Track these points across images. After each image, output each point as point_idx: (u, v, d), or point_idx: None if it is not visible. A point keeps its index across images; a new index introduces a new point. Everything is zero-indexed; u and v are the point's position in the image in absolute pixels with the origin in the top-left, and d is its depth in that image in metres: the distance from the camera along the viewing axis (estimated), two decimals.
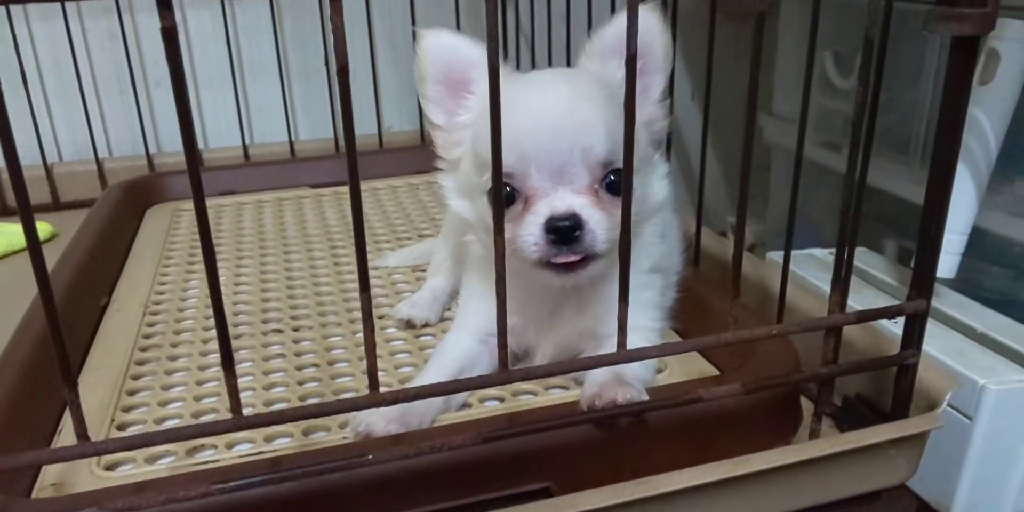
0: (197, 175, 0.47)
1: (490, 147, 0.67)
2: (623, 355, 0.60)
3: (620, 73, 0.72)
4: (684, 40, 1.51)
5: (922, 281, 0.66)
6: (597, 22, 1.35)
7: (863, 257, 1.24)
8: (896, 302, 1.04)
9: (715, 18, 0.97)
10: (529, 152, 0.67)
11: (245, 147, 1.63)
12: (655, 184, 0.77)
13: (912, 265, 0.68)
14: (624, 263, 0.56)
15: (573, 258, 0.68)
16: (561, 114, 0.67)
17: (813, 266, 1.20)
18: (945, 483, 0.91)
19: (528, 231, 0.68)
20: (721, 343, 0.62)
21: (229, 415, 0.74)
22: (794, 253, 0.95)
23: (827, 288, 1.07)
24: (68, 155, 1.63)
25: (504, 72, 0.76)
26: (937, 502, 0.91)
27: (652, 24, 0.73)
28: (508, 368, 0.58)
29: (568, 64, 1.41)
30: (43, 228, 1.40)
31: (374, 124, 1.70)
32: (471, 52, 0.75)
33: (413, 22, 1.65)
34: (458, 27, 1.68)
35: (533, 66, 1.72)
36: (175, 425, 0.76)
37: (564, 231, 0.66)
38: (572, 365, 0.60)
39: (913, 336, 0.67)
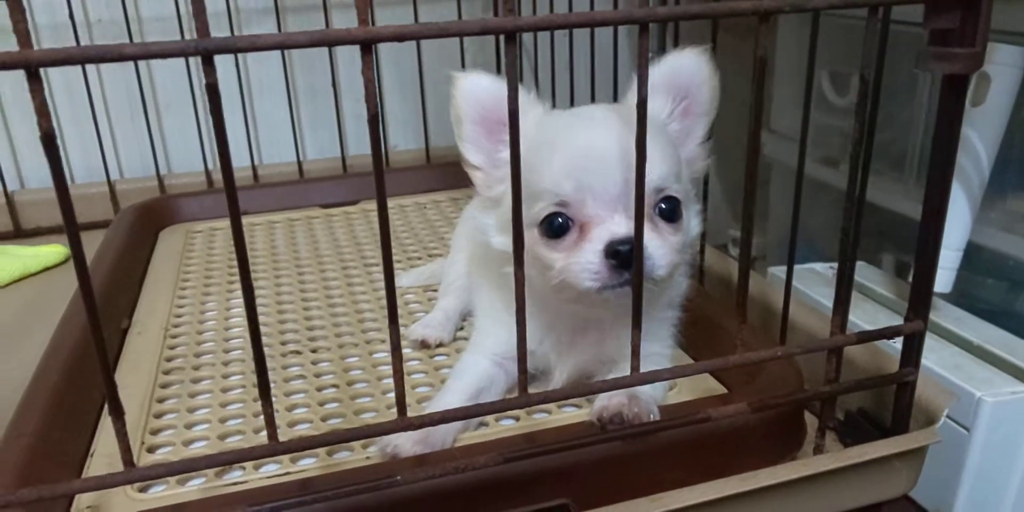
0: (240, 233, 0.50)
1: (544, 176, 0.70)
2: (636, 378, 0.63)
3: (667, 109, 0.75)
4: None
5: (919, 303, 0.69)
6: (599, 44, 1.39)
7: (862, 271, 1.27)
8: (895, 315, 1.08)
9: (717, 33, 1.00)
10: (585, 181, 0.68)
11: (254, 167, 1.67)
12: (691, 220, 0.78)
13: (910, 286, 0.71)
14: (637, 293, 0.59)
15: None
16: (615, 143, 0.68)
17: (814, 281, 1.24)
18: (945, 492, 0.94)
19: (587, 259, 0.68)
20: (729, 365, 0.65)
21: (255, 436, 0.78)
22: (795, 268, 0.98)
23: (828, 303, 1.11)
24: (80, 178, 1.66)
25: (544, 109, 0.79)
26: (937, 510, 0.94)
27: (701, 66, 0.75)
28: (527, 392, 0.61)
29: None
30: (59, 251, 1.43)
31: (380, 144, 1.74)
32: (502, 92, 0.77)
33: (418, 42, 1.68)
34: (461, 44, 1.72)
35: (537, 83, 1.76)
36: (202, 447, 0.79)
37: (625, 255, 0.66)
38: (589, 388, 0.63)
39: (911, 355, 0.70)
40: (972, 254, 1.08)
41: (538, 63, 1.71)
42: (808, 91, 0.84)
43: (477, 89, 0.75)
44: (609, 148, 0.69)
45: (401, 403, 0.59)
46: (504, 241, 0.79)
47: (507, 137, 0.76)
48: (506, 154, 0.77)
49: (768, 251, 1.77)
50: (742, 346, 0.65)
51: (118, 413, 0.53)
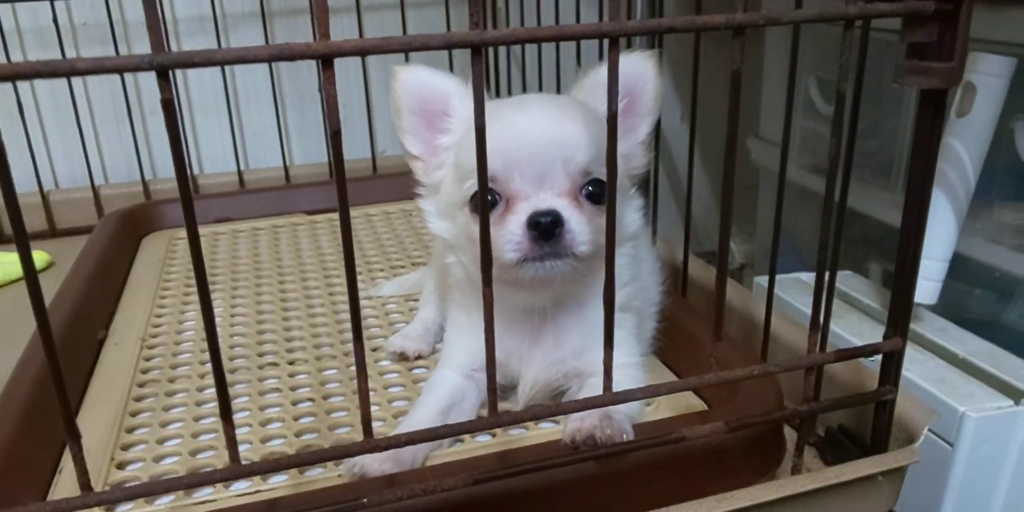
0: (197, 244, 0.49)
1: (473, 157, 0.70)
2: (609, 397, 0.61)
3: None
4: (671, 63, 1.54)
5: (898, 320, 0.68)
6: (585, 50, 1.38)
7: (847, 280, 1.26)
8: (880, 326, 1.06)
9: (699, 42, 0.99)
10: (513, 159, 0.70)
11: (240, 173, 1.65)
12: (629, 215, 0.81)
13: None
14: (609, 311, 0.58)
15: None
16: (545, 126, 0.71)
17: (799, 291, 1.23)
18: (929, 508, 0.94)
19: (510, 230, 0.70)
20: (704, 384, 0.64)
21: (227, 457, 0.77)
22: (780, 277, 0.98)
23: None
24: (64, 182, 1.65)
25: (487, 97, 0.79)
26: None
27: (646, 68, 0.77)
28: (497, 412, 0.60)
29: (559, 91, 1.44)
30: (40, 257, 1.41)
31: (368, 148, 1.73)
32: (446, 83, 0.79)
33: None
34: (450, 52, 1.71)
35: (524, 88, 1.75)
36: (173, 464, 0.78)
37: (545, 226, 0.68)
38: (560, 408, 0.62)
39: (890, 373, 0.69)
40: (958, 265, 1.07)
41: (526, 68, 1.71)
42: (789, 104, 0.83)
43: (416, 81, 0.77)
44: (538, 128, 0.71)
45: (367, 424, 0.58)
46: (444, 226, 0.81)
47: (446, 126, 0.79)
48: (444, 141, 0.79)
49: (755, 258, 1.76)
50: (717, 365, 0.64)
51: (75, 437, 0.52)
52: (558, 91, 1.41)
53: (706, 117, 1.11)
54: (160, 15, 0.46)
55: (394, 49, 0.49)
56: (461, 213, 0.76)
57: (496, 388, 0.59)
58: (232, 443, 0.55)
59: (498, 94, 1.80)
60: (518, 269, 0.70)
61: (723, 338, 0.65)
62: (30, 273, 0.49)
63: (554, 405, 0.62)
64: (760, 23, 0.54)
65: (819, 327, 0.66)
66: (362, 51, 0.48)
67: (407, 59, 1.64)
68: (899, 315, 0.68)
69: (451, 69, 1.70)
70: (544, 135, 0.71)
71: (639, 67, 0.77)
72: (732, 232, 1.82)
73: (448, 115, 0.79)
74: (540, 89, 1.57)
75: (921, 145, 0.63)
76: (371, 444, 0.57)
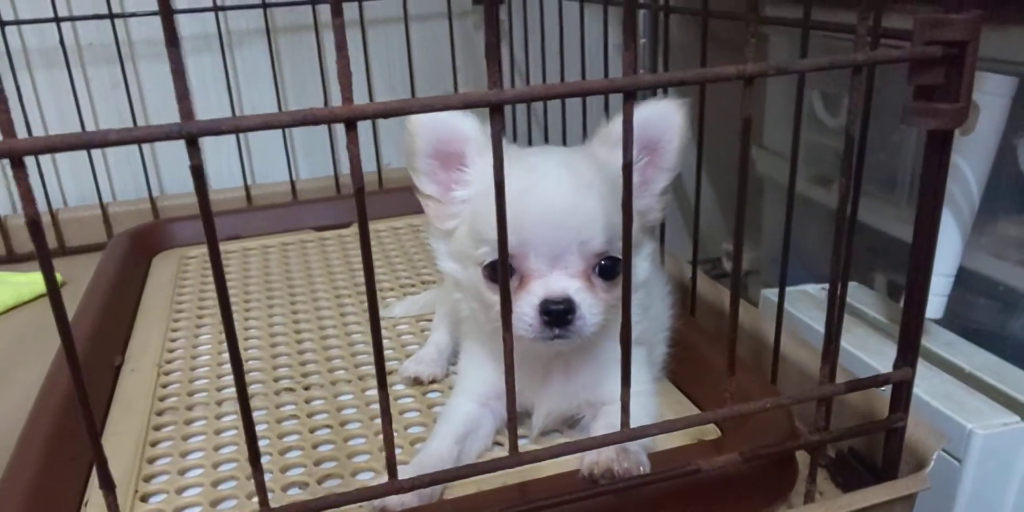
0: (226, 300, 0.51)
1: (492, 229, 0.70)
2: (627, 434, 0.63)
3: None
4: (676, 70, 1.55)
5: (908, 350, 0.69)
6: (591, 63, 1.39)
7: (854, 292, 1.27)
8: (886, 339, 1.08)
9: (706, 49, 1.00)
10: (530, 239, 0.70)
11: (247, 188, 1.67)
12: (639, 264, 0.79)
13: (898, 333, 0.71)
14: (626, 355, 0.60)
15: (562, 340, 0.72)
16: (563, 206, 0.70)
17: (806, 305, 1.24)
18: None
19: (523, 310, 0.71)
20: (719, 418, 0.65)
21: (248, 483, 0.78)
22: (787, 290, 0.99)
23: (818, 328, 1.11)
24: (73, 201, 1.67)
25: (504, 146, 0.79)
26: None
27: (674, 120, 0.75)
28: (518, 451, 0.61)
29: (563, 112, 1.44)
30: None
31: (373, 162, 1.74)
32: (463, 126, 0.76)
33: (410, 59, 1.69)
34: (454, 63, 1.72)
35: (529, 112, 1.75)
36: (196, 496, 0.79)
37: (557, 313, 0.70)
38: (579, 444, 0.63)
39: (900, 402, 0.71)
40: (962, 275, 1.08)
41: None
42: (794, 152, 0.84)
43: (432, 124, 0.75)
44: (556, 207, 0.70)
45: (392, 466, 0.59)
46: (453, 267, 0.81)
47: (462, 175, 0.77)
48: (460, 193, 0.78)
49: (762, 266, 1.77)
50: (731, 399, 0.65)
51: (109, 486, 0.53)
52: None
53: (711, 124, 1.11)
54: (186, 86, 0.47)
55: (415, 110, 0.50)
56: (474, 272, 0.76)
57: (516, 427, 0.61)
58: (261, 488, 0.57)
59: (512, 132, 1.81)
60: (527, 341, 0.72)
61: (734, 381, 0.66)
62: (63, 328, 0.51)
63: (573, 442, 0.63)
64: (770, 73, 0.55)
65: (830, 358, 0.68)
66: (384, 114, 0.50)
67: (410, 59, 1.67)
68: (908, 346, 0.69)
69: (454, 82, 1.71)
70: (561, 216, 0.70)
71: (667, 119, 0.75)
72: None
73: (464, 163, 0.77)
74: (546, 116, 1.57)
75: (928, 184, 0.64)
76: (396, 485, 0.59)
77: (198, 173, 0.48)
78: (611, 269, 0.72)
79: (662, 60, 1.25)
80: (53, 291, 0.49)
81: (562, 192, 0.71)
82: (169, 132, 0.47)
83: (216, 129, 0.47)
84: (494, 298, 0.74)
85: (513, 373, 0.59)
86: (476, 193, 0.77)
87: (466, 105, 0.51)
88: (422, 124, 0.75)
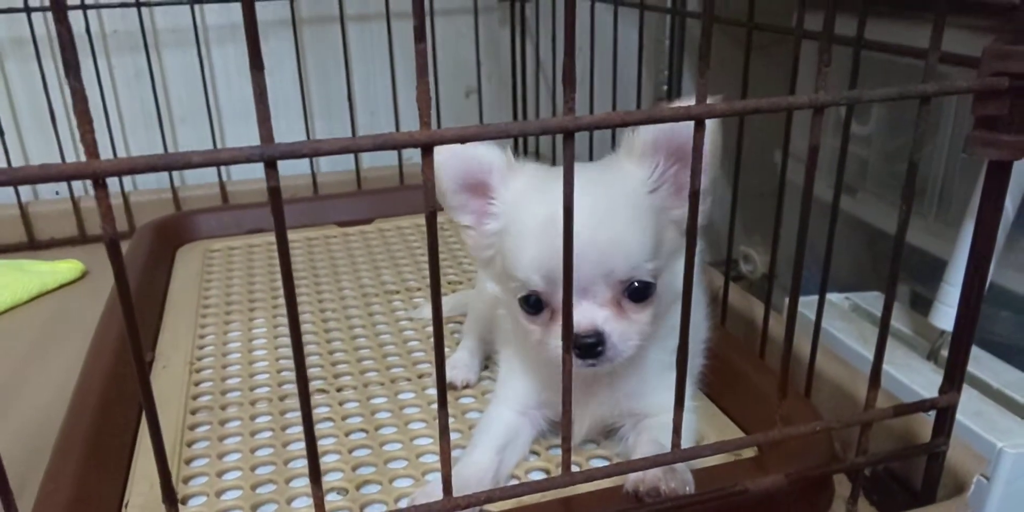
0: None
1: (517, 265, 0.73)
2: (677, 455, 0.63)
3: (657, 173, 0.74)
4: (694, 69, 1.55)
5: (954, 375, 0.69)
6: (622, 58, 1.38)
7: (876, 302, 1.27)
8: (910, 351, 1.08)
9: (710, 49, 0.99)
10: (554, 275, 0.69)
11: None
12: (680, 269, 0.78)
13: (945, 358, 0.71)
14: (681, 378, 0.60)
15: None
16: (585, 239, 0.66)
17: (830, 315, 1.23)
18: None
19: (556, 344, 0.70)
20: (769, 440, 0.66)
21: (287, 487, 0.79)
22: (810, 300, 0.99)
23: (844, 339, 1.12)
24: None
25: (530, 167, 0.78)
26: None
27: (708, 130, 0.74)
28: (570, 470, 0.61)
29: (592, 106, 1.44)
30: (75, 266, 1.43)
31: (394, 156, 1.74)
32: (486, 156, 0.75)
33: (434, 50, 1.68)
34: (477, 54, 1.71)
35: (553, 103, 1.75)
36: (236, 499, 0.80)
37: (588, 346, 0.70)
38: (630, 465, 0.63)
39: (944, 426, 0.71)
40: (989, 292, 1.08)
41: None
42: (839, 171, 0.84)
43: (455, 159, 0.74)
44: (580, 241, 0.66)
45: (447, 482, 0.59)
46: (496, 289, 0.82)
47: (493, 205, 0.76)
48: (492, 226, 0.77)
49: (780, 270, 1.77)
50: (781, 421, 0.66)
51: (172, 501, 0.54)
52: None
53: (728, 125, 1.10)
54: (267, 109, 0.47)
55: (492, 136, 0.50)
56: (512, 302, 0.76)
57: (570, 448, 0.61)
58: (319, 503, 0.57)
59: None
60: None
61: (770, 378, 0.66)
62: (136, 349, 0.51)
63: (624, 463, 0.64)
64: (842, 102, 0.55)
65: (878, 383, 0.68)
66: (462, 139, 0.50)
67: (434, 49, 1.65)
68: (956, 370, 0.70)
69: (478, 76, 1.71)
70: (583, 249, 0.64)
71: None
72: (754, 242, 1.82)
73: (491, 194, 0.76)
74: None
75: (985, 212, 0.64)
76: (452, 503, 0.59)
77: (275, 194, 0.48)
78: (641, 292, 0.72)
79: (688, 65, 1.25)
80: (131, 327, 0.49)
81: (583, 224, 0.64)
82: (250, 156, 0.47)
83: (297, 153, 0.47)
84: (531, 327, 0.75)
85: (571, 394, 0.60)
86: (502, 227, 0.76)
87: (544, 131, 0.51)
88: (445, 161, 0.73)
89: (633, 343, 0.73)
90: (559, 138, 0.52)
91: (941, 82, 0.58)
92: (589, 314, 0.71)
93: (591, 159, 1.38)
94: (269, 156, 0.47)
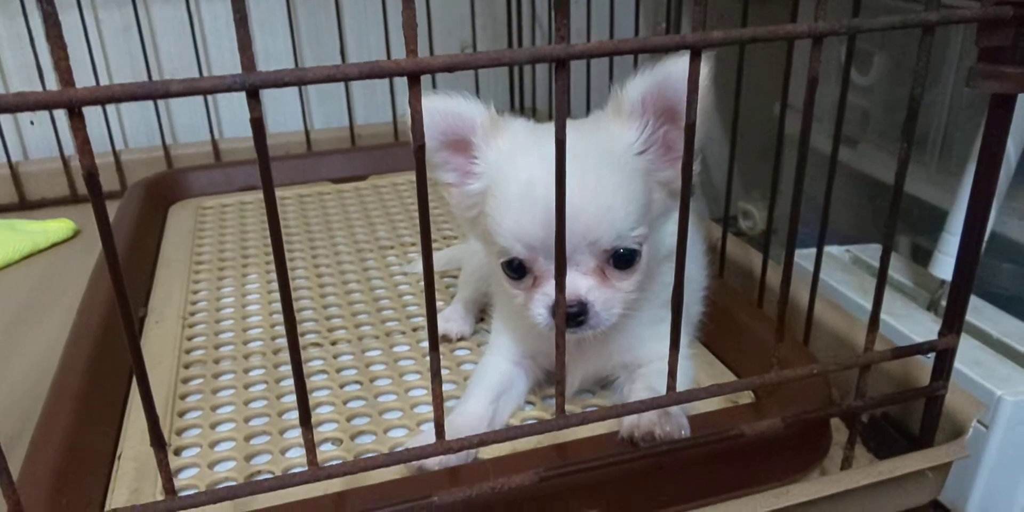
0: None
1: (498, 231, 0.70)
2: (673, 398, 0.62)
3: (644, 134, 0.71)
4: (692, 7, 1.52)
5: (954, 318, 0.69)
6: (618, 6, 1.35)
7: (876, 255, 1.26)
8: (910, 302, 1.08)
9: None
10: (538, 244, 0.68)
11: None
12: (668, 227, 0.75)
13: (944, 304, 0.70)
14: (676, 319, 0.59)
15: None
16: (574, 209, 0.60)
17: (830, 266, 1.23)
18: (960, 486, 0.95)
19: (537, 310, 0.70)
20: (765, 383, 0.65)
21: (281, 438, 0.78)
22: (808, 252, 0.98)
23: (844, 291, 1.11)
24: None
25: (516, 125, 0.76)
26: (952, 503, 0.95)
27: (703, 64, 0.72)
28: (564, 413, 0.61)
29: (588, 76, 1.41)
30: (67, 225, 1.41)
31: (389, 112, 1.71)
32: (468, 112, 0.73)
33: (428, 9, 1.65)
34: (472, 6, 1.68)
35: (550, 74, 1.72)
36: (230, 450, 0.79)
37: (570, 316, 0.69)
38: (626, 408, 0.63)
39: (943, 370, 0.70)
40: (990, 241, 1.07)
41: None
42: (839, 116, 0.83)
43: (435, 115, 0.70)
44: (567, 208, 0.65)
45: (440, 426, 0.59)
46: (481, 249, 0.82)
47: (475, 163, 0.73)
48: (475, 185, 0.74)
49: (778, 224, 1.76)
50: (778, 364, 0.65)
51: (160, 445, 0.53)
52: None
53: (724, 80, 1.08)
54: (249, 35, 0.45)
55: (482, 64, 0.48)
56: (495, 266, 0.75)
57: (564, 391, 0.60)
58: (311, 446, 0.56)
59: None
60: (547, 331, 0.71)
61: (767, 325, 0.65)
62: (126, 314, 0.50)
63: (619, 405, 0.63)
64: (842, 31, 0.54)
65: (876, 326, 0.67)
66: (449, 67, 0.48)
67: (428, 8, 1.61)
68: (955, 313, 0.69)
69: (472, 24, 1.68)
70: (572, 218, 0.60)
71: (687, 75, 0.71)
72: (754, 198, 1.80)
73: (473, 152, 0.73)
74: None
75: (987, 149, 0.63)
76: (445, 446, 0.58)
77: (258, 125, 0.47)
78: (626, 259, 0.70)
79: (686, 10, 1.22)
80: (113, 263, 0.48)
81: (570, 192, 0.59)
82: (231, 84, 0.45)
83: (279, 81, 0.46)
84: (514, 291, 0.74)
85: (564, 340, 0.59)
86: (485, 188, 0.73)
87: (534, 59, 0.49)
88: (425, 117, 0.70)
89: (616, 311, 0.71)
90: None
91: (944, 10, 0.56)
92: (572, 283, 0.68)
93: (588, 108, 1.38)
94: (251, 84, 0.45)
